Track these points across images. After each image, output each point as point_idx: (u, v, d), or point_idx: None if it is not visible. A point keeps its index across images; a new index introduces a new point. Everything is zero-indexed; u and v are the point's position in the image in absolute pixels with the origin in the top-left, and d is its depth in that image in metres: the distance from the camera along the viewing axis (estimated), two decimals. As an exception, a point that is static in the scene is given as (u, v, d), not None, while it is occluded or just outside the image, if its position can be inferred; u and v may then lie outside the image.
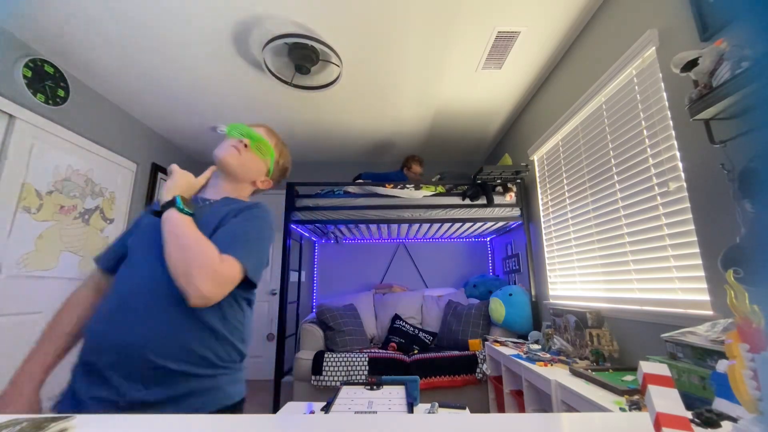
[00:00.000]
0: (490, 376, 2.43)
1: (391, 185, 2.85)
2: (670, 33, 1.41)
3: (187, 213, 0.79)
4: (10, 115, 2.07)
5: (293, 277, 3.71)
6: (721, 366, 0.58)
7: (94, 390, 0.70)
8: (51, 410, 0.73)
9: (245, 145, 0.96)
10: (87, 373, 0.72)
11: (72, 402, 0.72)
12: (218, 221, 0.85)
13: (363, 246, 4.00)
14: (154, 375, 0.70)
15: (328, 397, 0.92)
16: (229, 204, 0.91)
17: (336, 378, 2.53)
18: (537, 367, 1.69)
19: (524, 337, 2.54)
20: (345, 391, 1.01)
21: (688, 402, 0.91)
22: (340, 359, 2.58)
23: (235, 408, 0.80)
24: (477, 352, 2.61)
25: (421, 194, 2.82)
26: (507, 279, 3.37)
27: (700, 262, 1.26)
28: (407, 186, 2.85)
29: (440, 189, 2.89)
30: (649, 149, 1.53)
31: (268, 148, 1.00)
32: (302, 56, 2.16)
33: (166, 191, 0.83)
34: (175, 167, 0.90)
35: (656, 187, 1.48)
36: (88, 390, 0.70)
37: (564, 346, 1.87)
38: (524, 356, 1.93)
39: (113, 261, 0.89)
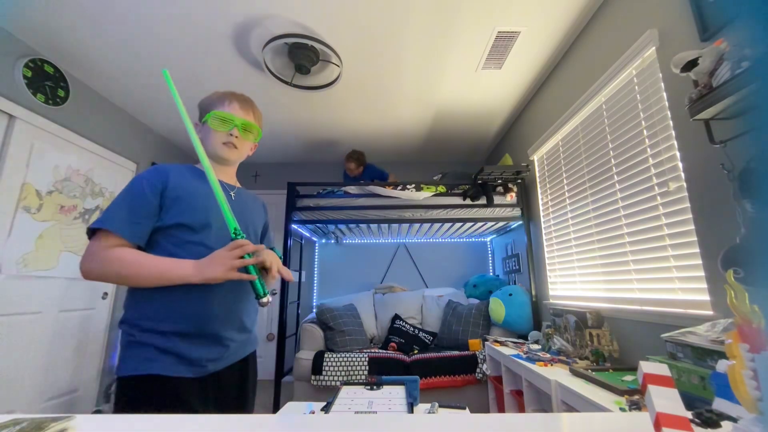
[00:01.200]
0: (490, 376, 2.43)
1: (391, 186, 2.85)
2: (670, 33, 1.41)
3: None
4: (10, 115, 2.07)
5: (293, 276, 3.70)
6: (721, 366, 0.58)
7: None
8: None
9: (236, 137, 0.99)
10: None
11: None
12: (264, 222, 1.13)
13: (363, 246, 4.00)
14: None
15: (328, 397, 0.92)
16: (255, 200, 1.11)
17: (336, 378, 2.53)
18: (537, 367, 1.69)
19: (524, 337, 2.54)
20: (345, 391, 1.00)
21: (688, 402, 0.91)
22: (340, 359, 2.58)
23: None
24: (477, 352, 2.61)
25: (422, 195, 2.82)
26: (507, 279, 3.37)
27: (700, 262, 1.26)
28: (408, 187, 2.84)
29: (441, 189, 2.89)
30: (649, 149, 1.53)
31: (254, 126, 1.02)
32: (302, 56, 2.16)
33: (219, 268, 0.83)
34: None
35: (656, 187, 1.48)
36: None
37: (564, 346, 1.87)
38: (524, 356, 1.93)
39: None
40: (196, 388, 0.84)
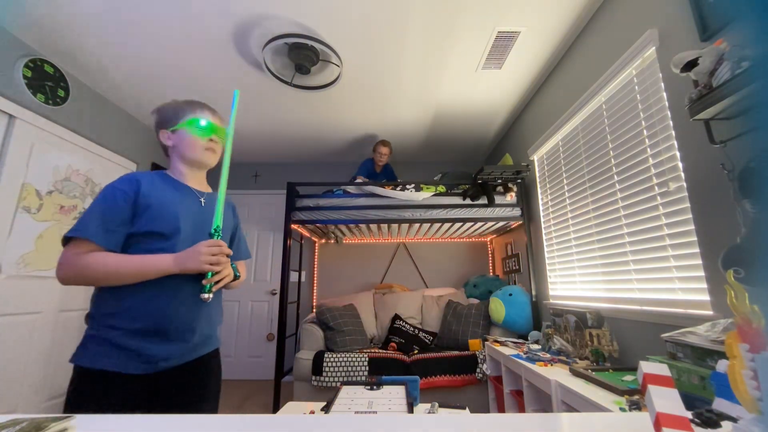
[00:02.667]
0: (490, 376, 2.43)
1: (391, 186, 2.85)
2: (670, 33, 1.41)
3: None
4: (10, 115, 2.07)
5: (293, 277, 3.71)
6: (721, 366, 0.58)
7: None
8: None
9: (216, 142, 1.06)
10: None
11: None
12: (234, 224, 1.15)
13: (363, 246, 4.00)
14: None
15: (328, 397, 0.92)
16: (225, 204, 1.08)
17: (336, 378, 2.53)
18: (537, 367, 1.69)
19: (524, 337, 2.54)
20: (345, 391, 1.00)
21: (688, 402, 0.91)
22: (340, 359, 2.58)
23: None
24: (477, 352, 2.61)
25: (421, 196, 2.82)
26: (507, 279, 3.37)
27: (700, 262, 1.26)
28: (407, 187, 2.84)
29: (441, 189, 2.89)
30: (649, 149, 1.53)
31: (224, 131, 1.07)
32: (302, 56, 2.16)
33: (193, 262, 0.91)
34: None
35: (656, 187, 1.48)
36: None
37: (564, 346, 1.87)
38: (524, 356, 1.93)
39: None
40: (146, 385, 0.88)
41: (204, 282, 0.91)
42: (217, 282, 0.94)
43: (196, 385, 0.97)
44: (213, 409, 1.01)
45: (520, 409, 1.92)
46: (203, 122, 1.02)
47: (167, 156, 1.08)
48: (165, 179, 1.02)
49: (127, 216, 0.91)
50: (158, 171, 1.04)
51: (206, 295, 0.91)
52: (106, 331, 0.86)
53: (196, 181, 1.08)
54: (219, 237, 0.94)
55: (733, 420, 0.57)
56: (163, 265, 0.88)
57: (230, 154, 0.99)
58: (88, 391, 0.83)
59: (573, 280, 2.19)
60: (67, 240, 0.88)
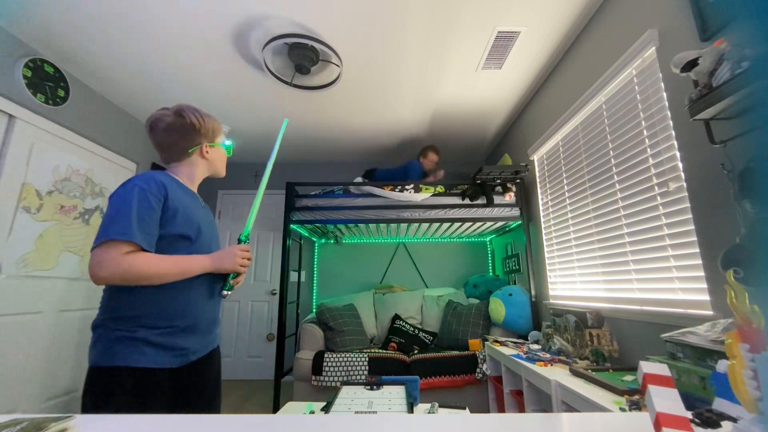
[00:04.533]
0: (490, 376, 2.43)
1: (390, 187, 2.84)
2: (670, 33, 1.41)
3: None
4: (10, 115, 2.07)
5: (293, 277, 3.71)
6: (721, 366, 0.58)
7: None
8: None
9: None
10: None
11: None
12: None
13: (363, 246, 4.00)
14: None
15: (328, 397, 0.92)
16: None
17: (336, 378, 2.53)
18: (537, 367, 1.69)
19: (524, 337, 2.54)
20: (345, 391, 1.01)
21: (688, 402, 0.91)
22: (340, 359, 2.58)
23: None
24: (477, 352, 2.61)
25: (420, 197, 2.82)
26: (507, 279, 3.37)
27: (700, 262, 1.26)
28: (407, 188, 2.84)
29: (440, 189, 2.89)
30: (649, 149, 1.53)
31: None
32: (302, 56, 2.16)
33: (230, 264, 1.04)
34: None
35: (656, 187, 1.48)
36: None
37: (564, 346, 1.87)
38: (524, 356, 1.93)
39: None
40: (177, 377, 0.94)
41: (231, 282, 1.05)
42: (237, 282, 1.07)
43: (214, 372, 1.09)
44: (220, 391, 1.15)
45: (520, 409, 1.92)
46: (229, 144, 1.23)
47: (177, 161, 1.11)
48: (177, 183, 1.06)
49: (159, 218, 0.96)
50: (164, 173, 1.06)
51: (227, 293, 1.05)
52: (139, 331, 0.89)
53: (196, 188, 1.17)
54: (248, 243, 1.09)
55: (733, 420, 0.57)
56: (202, 265, 0.98)
57: (269, 174, 1.17)
58: (126, 388, 0.86)
59: (573, 280, 2.19)
60: (106, 240, 0.88)
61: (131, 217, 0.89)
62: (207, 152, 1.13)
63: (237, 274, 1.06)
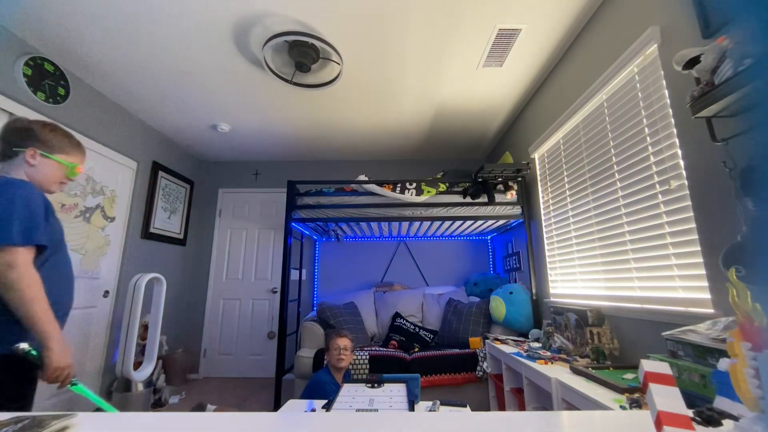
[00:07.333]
0: (490, 374, 2.43)
1: (390, 187, 2.83)
2: (672, 30, 1.40)
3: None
4: (11, 114, 2.07)
5: (294, 275, 3.71)
6: (723, 364, 0.58)
7: None
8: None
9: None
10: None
11: None
12: None
13: (364, 244, 4.00)
14: None
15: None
16: None
17: (337, 376, 2.53)
18: (537, 365, 1.69)
19: (525, 335, 2.54)
20: (346, 389, 1.01)
21: (689, 400, 0.91)
22: (341, 357, 2.58)
23: None
24: (477, 350, 2.61)
25: (421, 199, 2.81)
26: (508, 277, 3.37)
27: (701, 260, 1.26)
28: (408, 187, 2.83)
29: (442, 188, 2.88)
30: (650, 147, 1.52)
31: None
32: (303, 54, 2.15)
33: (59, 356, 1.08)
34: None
35: (657, 185, 1.48)
36: None
37: (564, 344, 1.87)
38: (525, 354, 1.93)
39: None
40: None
41: (34, 353, 1.04)
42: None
43: None
44: None
45: (521, 406, 1.92)
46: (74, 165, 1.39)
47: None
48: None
49: None
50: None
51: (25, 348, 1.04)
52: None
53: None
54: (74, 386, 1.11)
55: (735, 418, 0.57)
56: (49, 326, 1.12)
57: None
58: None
59: (574, 278, 2.18)
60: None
61: (31, 218, 1.09)
62: (32, 160, 1.21)
63: (41, 358, 1.04)
